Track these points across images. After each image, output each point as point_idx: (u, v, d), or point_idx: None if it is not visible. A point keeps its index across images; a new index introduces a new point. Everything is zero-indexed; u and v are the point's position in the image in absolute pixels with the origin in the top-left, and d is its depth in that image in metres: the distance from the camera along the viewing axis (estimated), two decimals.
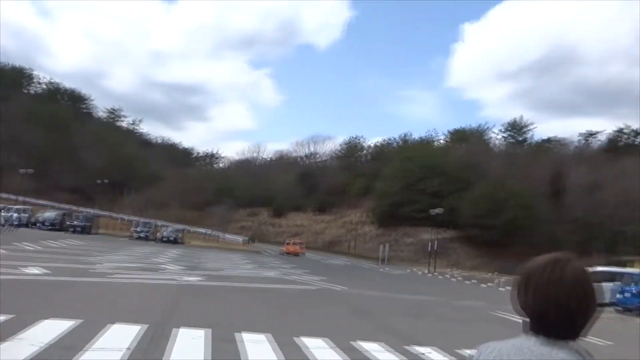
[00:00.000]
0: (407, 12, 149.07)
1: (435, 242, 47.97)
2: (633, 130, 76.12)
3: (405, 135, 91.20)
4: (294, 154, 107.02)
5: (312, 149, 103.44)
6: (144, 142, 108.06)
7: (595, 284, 1.31)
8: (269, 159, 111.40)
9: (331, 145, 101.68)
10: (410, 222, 64.88)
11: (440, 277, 41.06)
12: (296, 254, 52.69)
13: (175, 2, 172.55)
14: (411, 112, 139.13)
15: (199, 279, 18.91)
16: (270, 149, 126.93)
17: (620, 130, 76.70)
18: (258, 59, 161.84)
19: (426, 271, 45.43)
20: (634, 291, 25.16)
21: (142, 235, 49.72)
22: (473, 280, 37.66)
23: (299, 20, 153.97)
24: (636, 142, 74.94)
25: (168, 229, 54.39)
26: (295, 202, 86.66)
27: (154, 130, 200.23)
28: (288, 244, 56.97)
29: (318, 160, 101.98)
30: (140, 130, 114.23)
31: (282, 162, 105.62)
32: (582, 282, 1.27)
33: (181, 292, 14.53)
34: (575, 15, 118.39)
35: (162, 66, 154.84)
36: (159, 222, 60.80)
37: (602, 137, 78.17)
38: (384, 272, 40.38)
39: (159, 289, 14.92)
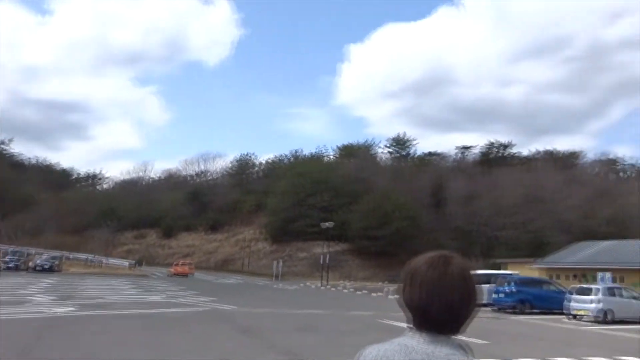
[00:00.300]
0: (295, 32, 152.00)
1: (327, 255, 48.58)
2: (502, 144, 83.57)
3: (296, 151, 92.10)
4: (183, 173, 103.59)
5: (202, 167, 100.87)
6: (15, 164, 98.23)
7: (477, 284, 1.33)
8: (156, 178, 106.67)
9: (222, 163, 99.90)
10: (303, 237, 65.28)
11: (332, 289, 41.48)
12: (185, 275, 50.73)
13: (51, 14, 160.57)
14: (302, 129, 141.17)
15: (72, 309, 17.23)
16: (158, 168, 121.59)
17: (491, 145, 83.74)
18: (144, 76, 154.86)
19: (319, 284, 45.76)
20: (507, 291, 27.17)
21: (10, 265, 44.97)
22: (364, 291, 38.49)
23: (186, 37, 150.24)
24: (505, 155, 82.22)
25: (42, 256, 49.68)
26: (185, 221, 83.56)
27: (27, 150, 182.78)
28: (176, 265, 54.62)
29: (209, 178, 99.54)
30: (11, 151, 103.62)
31: (171, 181, 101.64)
32: (465, 277, 1.29)
33: (47, 326, 13.05)
34: (450, 39, 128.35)
35: (36, 82, 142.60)
36: (32, 250, 55.37)
37: (476, 151, 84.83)
38: (278, 288, 40.00)
39: (20, 325, 13.28)
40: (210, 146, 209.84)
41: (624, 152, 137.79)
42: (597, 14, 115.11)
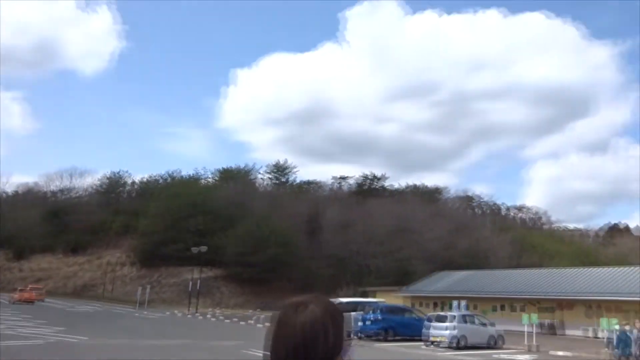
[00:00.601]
0: (182, 50, 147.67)
1: (198, 281, 46.62)
2: (375, 177, 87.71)
3: (173, 172, 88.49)
4: (44, 189, 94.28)
5: (67, 183, 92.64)
6: None
7: (334, 322, 1.31)
8: (11, 193, 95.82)
9: (90, 180, 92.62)
10: (175, 262, 62.23)
11: (200, 317, 39.71)
12: (32, 302, 45.45)
13: None
14: (181, 150, 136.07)
15: None
16: (14, 181, 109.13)
17: (365, 177, 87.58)
18: (7, 80, 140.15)
19: (187, 312, 43.63)
20: (372, 319, 27.83)
21: None
22: (234, 319, 37.33)
23: (61, 42, 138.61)
24: (378, 187, 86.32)
25: None
26: (42, 242, 75.57)
27: None
28: (22, 290, 48.76)
29: (74, 195, 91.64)
30: None
31: (29, 196, 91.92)
32: (311, 326, 1.27)
33: None
34: (333, 74, 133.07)
35: None
36: None
37: (352, 182, 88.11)
38: (140, 317, 37.29)
39: None
40: (79, 161, 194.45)
41: (481, 190, 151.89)
42: (461, 65, 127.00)
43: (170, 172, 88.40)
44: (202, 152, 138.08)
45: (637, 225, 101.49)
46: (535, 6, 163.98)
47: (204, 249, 47.78)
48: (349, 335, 1.33)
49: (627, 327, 15.74)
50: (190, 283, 47.51)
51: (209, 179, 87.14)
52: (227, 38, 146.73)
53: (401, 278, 53.29)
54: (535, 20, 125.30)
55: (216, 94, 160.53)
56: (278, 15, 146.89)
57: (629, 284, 33.92)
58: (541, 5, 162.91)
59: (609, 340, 17.52)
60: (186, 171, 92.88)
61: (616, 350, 15.34)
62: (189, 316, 41.05)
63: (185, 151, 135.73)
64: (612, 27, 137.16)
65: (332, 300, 1.43)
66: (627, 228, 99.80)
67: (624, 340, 14.93)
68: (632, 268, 38.29)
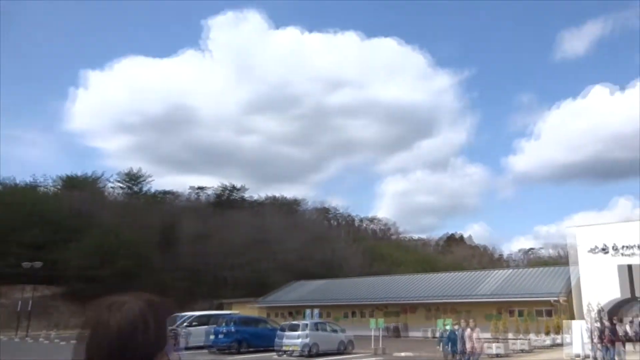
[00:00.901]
0: (20, 46, 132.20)
1: (30, 301, 41.65)
2: (234, 188, 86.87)
3: (4, 179, 78.47)
4: None
5: None
6: None
7: (155, 318, 1.23)
8: None
9: None
10: (3, 280, 55.02)
11: (31, 341, 35.38)
12: None
13: None
14: (16, 155, 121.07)
15: None
16: None
17: (224, 187, 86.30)
18: None
19: (15, 336, 38.68)
20: (224, 331, 27.11)
21: None
22: (72, 341, 33.77)
23: None
24: (236, 198, 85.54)
25: None
26: None
27: None
28: None
29: None
30: None
31: None
32: (128, 324, 1.20)
33: None
34: (194, 82, 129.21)
35: None
36: None
37: (210, 192, 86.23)
38: None
39: None
40: None
41: (337, 202, 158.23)
42: (321, 81, 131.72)
43: (1, 179, 78.53)
44: (42, 157, 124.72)
45: (470, 235, 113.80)
46: (388, 32, 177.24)
47: (38, 264, 42.92)
48: (175, 337, 1.13)
49: (455, 327, 17.19)
50: (20, 303, 42.28)
51: (49, 187, 79.09)
52: (77, 36, 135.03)
53: (258, 289, 53.12)
54: (388, 45, 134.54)
55: (63, 95, 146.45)
56: (135, 16, 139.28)
57: (461, 288, 37.50)
58: (393, 32, 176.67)
59: (441, 339, 19.02)
60: (22, 178, 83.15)
61: (446, 347, 16.69)
62: (16, 340, 36.36)
63: (22, 156, 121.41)
64: (452, 58, 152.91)
65: (154, 297, 1.31)
66: (462, 238, 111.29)
67: (452, 339, 16.28)
68: (464, 273, 42.49)
